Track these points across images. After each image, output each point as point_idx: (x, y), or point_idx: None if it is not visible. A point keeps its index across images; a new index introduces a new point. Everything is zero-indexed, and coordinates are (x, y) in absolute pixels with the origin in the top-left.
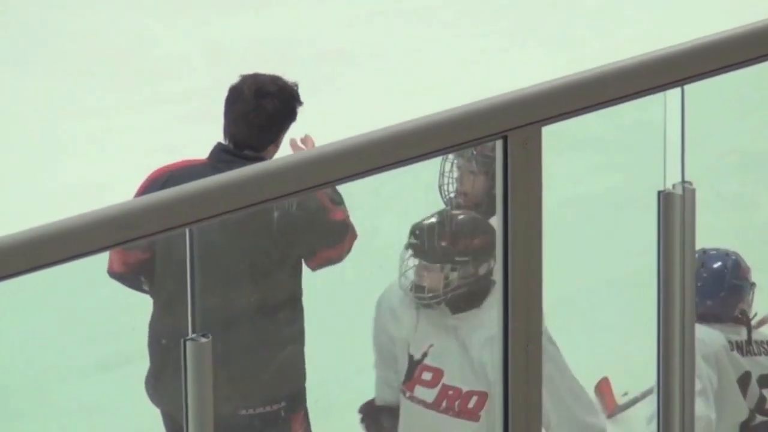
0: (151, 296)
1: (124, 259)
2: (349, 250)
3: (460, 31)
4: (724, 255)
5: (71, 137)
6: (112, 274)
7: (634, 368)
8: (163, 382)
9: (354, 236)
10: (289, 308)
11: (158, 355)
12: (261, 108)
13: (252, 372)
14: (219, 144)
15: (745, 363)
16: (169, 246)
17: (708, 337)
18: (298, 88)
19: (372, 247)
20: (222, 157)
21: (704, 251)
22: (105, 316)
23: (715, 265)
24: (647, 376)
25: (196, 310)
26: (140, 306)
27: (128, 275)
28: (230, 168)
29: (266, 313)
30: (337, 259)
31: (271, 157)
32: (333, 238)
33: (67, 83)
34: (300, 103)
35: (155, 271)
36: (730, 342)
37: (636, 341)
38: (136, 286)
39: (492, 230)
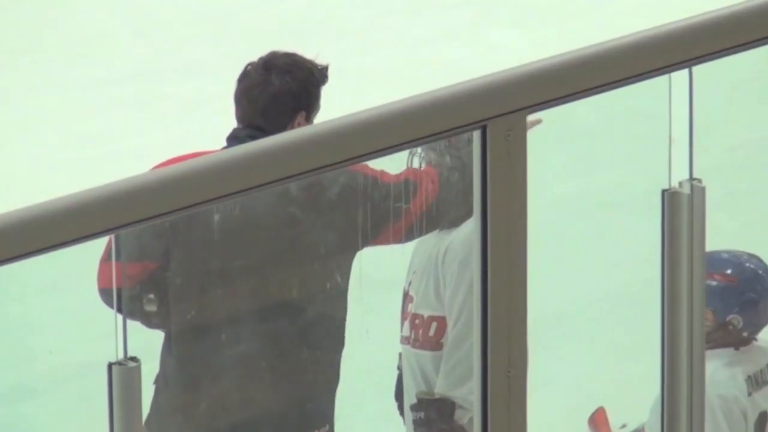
0: (158, 323)
1: (127, 271)
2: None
3: (427, 3)
4: (737, 260)
5: None
6: (104, 290)
7: (634, 396)
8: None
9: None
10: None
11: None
12: (266, 84)
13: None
14: (233, 129)
15: (761, 399)
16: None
17: (724, 381)
18: (326, 70)
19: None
20: (232, 145)
21: (718, 256)
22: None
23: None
24: (649, 405)
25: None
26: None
27: (131, 292)
28: None
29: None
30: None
31: None
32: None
33: None
34: (321, 84)
35: (169, 283)
36: (748, 378)
37: (636, 364)
38: (136, 308)
39: None
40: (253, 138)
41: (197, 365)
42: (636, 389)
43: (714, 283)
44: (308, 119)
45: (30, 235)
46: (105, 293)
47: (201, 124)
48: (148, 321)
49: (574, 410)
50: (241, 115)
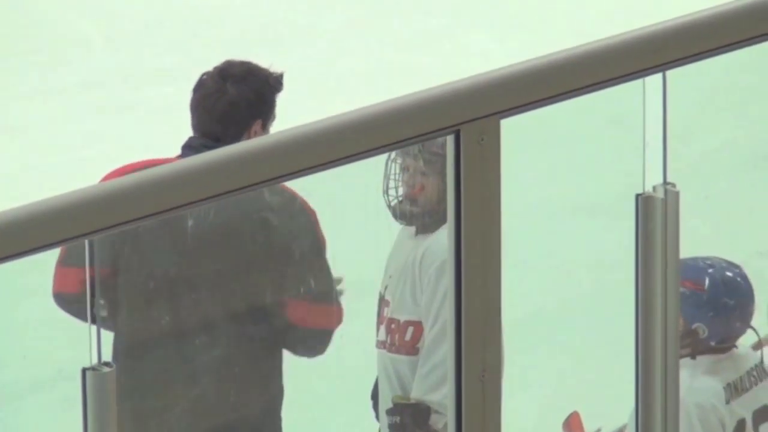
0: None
1: (79, 276)
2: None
3: (400, 8)
4: (711, 269)
5: None
6: (59, 296)
7: (609, 400)
8: None
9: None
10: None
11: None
12: (222, 92)
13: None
14: (188, 138)
15: (739, 407)
16: (141, 255)
17: (702, 389)
18: (281, 78)
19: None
20: (186, 154)
21: (696, 261)
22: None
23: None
24: (624, 409)
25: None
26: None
27: (82, 297)
28: None
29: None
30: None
31: None
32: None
33: None
34: (276, 91)
35: (119, 289)
36: (728, 385)
37: (611, 369)
38: (83, 313)
39: None
40: (208, 147)
41: (138, 376)
42: (610, 393)
43: (682, 290)
44: (264, 127)
45: (5, 240)
46: (58, 298)
47: (176, 130)
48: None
49: (549, 414)
50: (196, 124)
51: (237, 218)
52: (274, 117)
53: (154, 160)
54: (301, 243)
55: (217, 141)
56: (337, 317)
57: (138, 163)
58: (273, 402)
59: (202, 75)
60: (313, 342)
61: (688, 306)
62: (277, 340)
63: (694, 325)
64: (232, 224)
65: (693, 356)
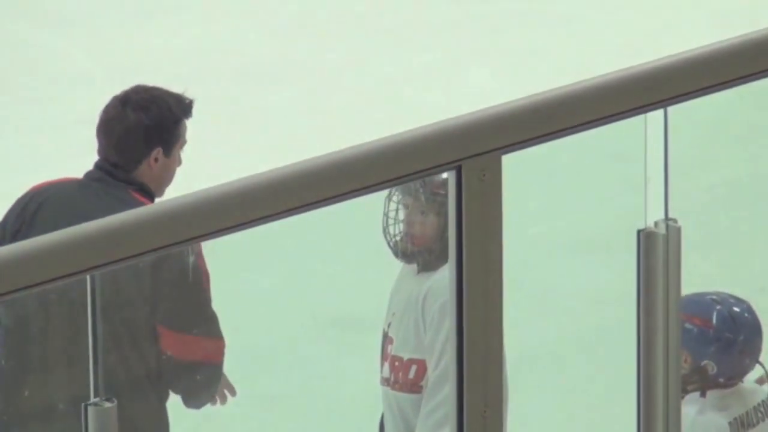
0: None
1: None
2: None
3: (401, 43)
4: (718, 306)
5: None
6: None
7: None
8: None
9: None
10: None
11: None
12: (121, 118)
13: None
14: (97, 159)
15: None
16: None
17: (707, 425)
18: (190, 104)
19: (304, 293)
20: (93, 175)
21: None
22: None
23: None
24: None
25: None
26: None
27: None
28: (101, 186)
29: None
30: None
31: (148, 179)
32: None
33: None
34: (181, 118)
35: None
36: (734, 420)
37: (612, 406)
38: None
39: None
40: (105, 172)
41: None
42: (613, 429)
43: (690, 326)
44: (167, 155)
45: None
46: None
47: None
48: None
49: None
50: (99, 149)
51: None
52: (184, 142)
53: (63, 179)
54: (180, 273)
55: (114, 167)
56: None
57: (48, 181)
58: None
59: (111, 99)
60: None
61: (696, 343)
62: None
63: (703, 362)
64: None
65: (703, 393)
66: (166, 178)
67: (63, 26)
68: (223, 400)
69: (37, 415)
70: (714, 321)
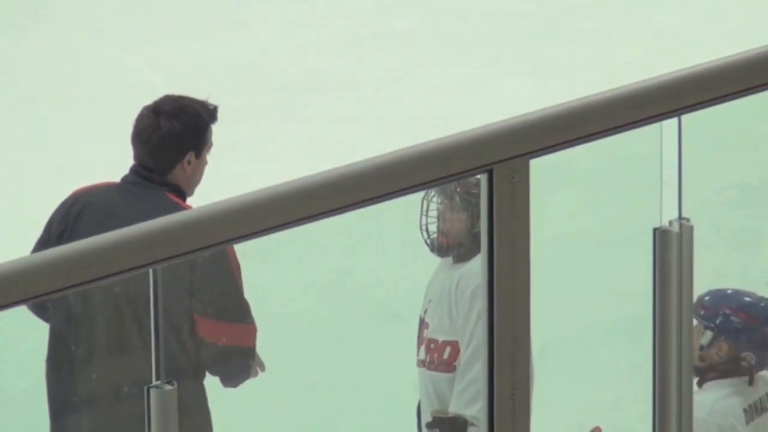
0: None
1: None
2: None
3: (439, 57)
4: (759, 303)
5: (30, 171)
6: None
7: (629, 421)
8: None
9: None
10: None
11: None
12: (156, 127)
13: None
14: (133, 164)
15: (760, 426)
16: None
17: (723, 411)
18: (215, 110)
19: (345, 288)
20: (130, 179)
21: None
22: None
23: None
24: (642, 425)
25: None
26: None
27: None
28: (139, 189)
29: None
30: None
31: (181, 180)
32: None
33: (24, 114)
34: (209, 124)
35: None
36: (749, 407)
37: (630, 392)
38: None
39: None
40: (142, 177)
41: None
42: (630, 415)
43: (737, 320)
44: (198, 156)
45: (74, 269)
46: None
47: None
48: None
49: (573, 429)
50: (134, 155)
51: None
52: (210, 145)
53: (102, 183)
54: (213, 264)
55: (151, 171)
56: (250, 336)
57: (88, 185)
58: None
59: (142, 110)
60: (230, 362)
61: (740, 335)
62: (196, 364)
63: (744, 353)
64: None
65: (750, 380)
66: (196, 178)
67: (132, 43)
68: (255, 374)
69: (104, 396)
70: (759, 316)
